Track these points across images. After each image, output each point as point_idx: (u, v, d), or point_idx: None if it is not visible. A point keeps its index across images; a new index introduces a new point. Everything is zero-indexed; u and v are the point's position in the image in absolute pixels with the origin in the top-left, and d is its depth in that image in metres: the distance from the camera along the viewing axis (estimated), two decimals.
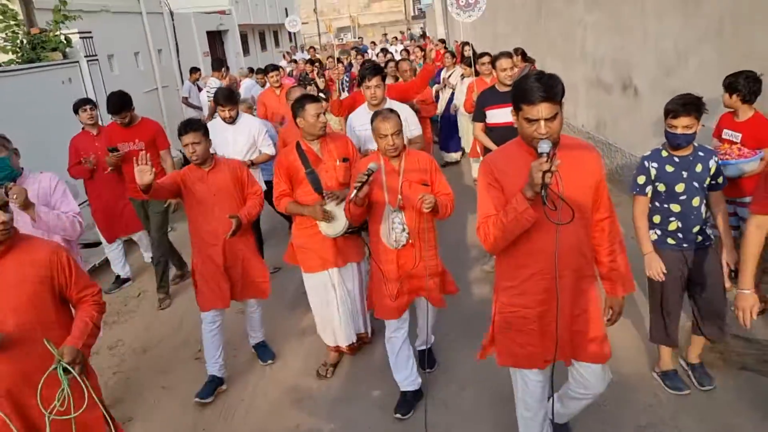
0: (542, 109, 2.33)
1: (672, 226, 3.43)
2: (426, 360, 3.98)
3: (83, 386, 2.52)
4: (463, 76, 8.45)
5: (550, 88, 2.33)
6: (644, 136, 6.31)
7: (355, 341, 4.27)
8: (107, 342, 4.99)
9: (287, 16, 28.82)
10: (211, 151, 5.28)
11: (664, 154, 3.43)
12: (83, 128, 5.78)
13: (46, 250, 2.66)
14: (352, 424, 3.64)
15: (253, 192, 4.10)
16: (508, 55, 5.28)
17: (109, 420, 2.78)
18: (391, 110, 3.57)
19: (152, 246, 5.74)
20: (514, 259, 2.64)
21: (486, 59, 6.83)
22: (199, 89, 11.79)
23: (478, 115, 5.26)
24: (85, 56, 8.23)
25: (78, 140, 5.70)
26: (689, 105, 3.25)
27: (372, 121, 3.47)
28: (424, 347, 4.01)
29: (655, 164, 3.42)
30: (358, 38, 27.10)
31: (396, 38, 23.98)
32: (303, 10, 34.74)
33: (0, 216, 2.52)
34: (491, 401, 3.67)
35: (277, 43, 27.81)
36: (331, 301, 4.11)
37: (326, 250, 3.99)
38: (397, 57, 11.99)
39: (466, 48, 9.59)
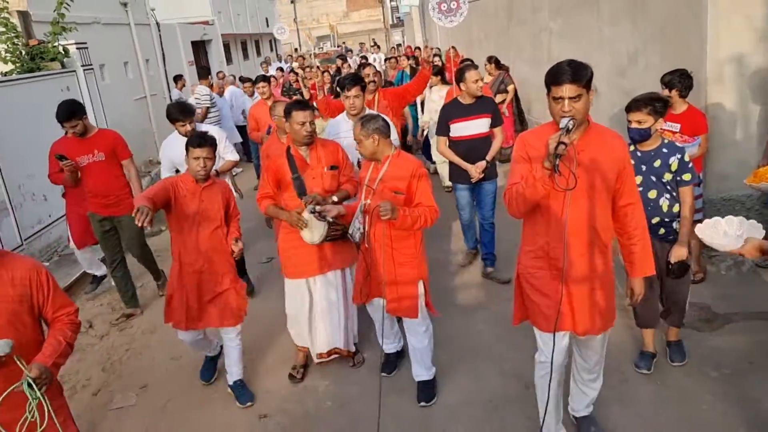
0: (567, 89, 2.60)
1: None
2: (421, 392, 3.83)
3: (45, 406, 2.45)
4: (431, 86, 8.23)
5: (576, 71, 2.59)
6: None
7: (337, 348, 4.23)
8: (118, 325, 5.45)
9: (268, 26, 29.37)
10: (174, 166, 5.31)
11: (631, 148, 3.64)
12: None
13: (25, 267, 2.61)
14: (343, 381, 4.15)
15: (236, 215, 4.10)
16: (476, 66, 5.35)
17: None
18: (360, 119, 3.67)
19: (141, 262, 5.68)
20: (534, 226, 2.93)
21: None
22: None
23: (442, 129, 5.26)
24: (81, 66, 8.69)
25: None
26: (640, 101, 3.54)
27: None
28: (422, 378, 3.87)
29: None
30: (339, 46, 27.58)
31: (378, 46, 24.39)
32: (283, 20, 35.19)
33: None
34: (467, 361, 4.23)
35: (258, 52, 28.30)
36: (307, 308, 4.15)
37: (309, 256, 4.02)
38: (377, 66, 12.43)
39: (435, 58, 9.84)
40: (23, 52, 8.21)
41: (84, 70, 8.74)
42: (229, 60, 22.28)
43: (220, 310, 3.92)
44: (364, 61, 11.01)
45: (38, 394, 2.40)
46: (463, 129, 5.17)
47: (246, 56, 26.19)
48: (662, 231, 3.65)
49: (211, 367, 4.35)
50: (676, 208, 3.62)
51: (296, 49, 18.28)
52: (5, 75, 7.81)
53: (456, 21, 8.53)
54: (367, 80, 5.51)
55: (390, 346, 4.17)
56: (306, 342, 4.26)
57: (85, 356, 4.93)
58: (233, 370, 4.08)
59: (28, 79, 7.76)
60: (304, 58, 16.91)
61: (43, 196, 7.36)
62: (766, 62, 4.77)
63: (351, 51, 22.64)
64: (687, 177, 3.57)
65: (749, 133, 4.95)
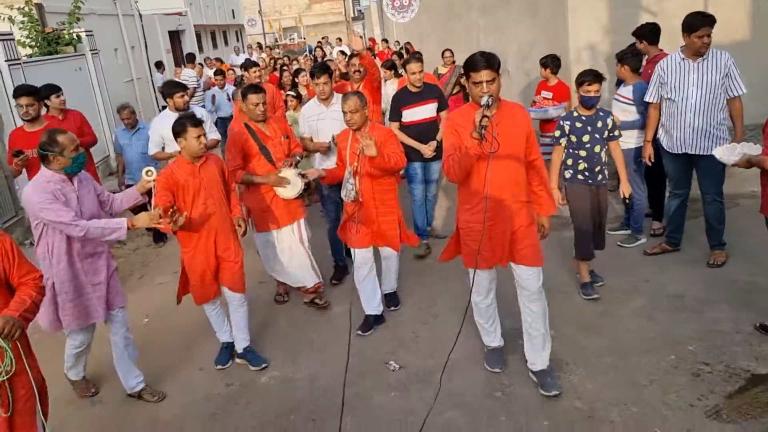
0: (483, 75, 3.17)
1: (581, 167, 4.53)
2: (390, 300, 4.87)
3: (7, 353, 2.56)
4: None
5: (489, 60, 3.20)
6: None
7: (308, 286, 5.00)
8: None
9: (234, 17, 30.80)
10: (163, 143, 5.79)
11: (575, 114, 4.57)
12: (47, 113, 6.16)
13: None
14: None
15: (232, 183, 4.36)
16: (418, 59, 5.79)
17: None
18: (355, 93, 4.36)
19: None
20: (468, 188, 3.50)
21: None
22: None
23: (394, 115, 5.70)
24: (90, 50, 10.31)
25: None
26: (599, 75, 4.46)
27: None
28: (389, 291, 4.89)
29: (567, 122, 4.56)
30: (304, 38, 29.01)
31: (322, 42, 25.37)
32: (247, 11, 36.52)
33: None
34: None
35: (226, 42, 29.78)
36: (280, 252, 4.91)
37: (279, 212, 4.76)
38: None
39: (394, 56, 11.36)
40: (41, 38, 9.80)
41: (92, 53, 10.37)
42: (200, 49, 23.79)
43: (231, 276, 4.22)
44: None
45: (2, 342, 2.50)
46: (413, 114, 5.64)
47: (215, 45, 27.70)
48: (600, 177, 4.56)
49: (228, 354, 4.42)
50: (605, 158, 4.58)
51: (269, 47, 18.53)
52: (30, 57, 9.41)
53: (408, 17, 9.80)
54: (353, 69, 6.21)
55: (369, 308, 4.68)
56: (284, 279, 5.13)
57: (128, 260, 6.72)
58: (240, 337, 4.36)
59: (49, 60, 9.39)
60: (271, 49, 18.22)
61: None
62: (609, 49, 6.84)
63: (320, 43, 23.98)
64: (617, 132, 4.60)
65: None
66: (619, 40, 6.66)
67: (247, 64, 7.92)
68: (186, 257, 4.16)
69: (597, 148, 4.51)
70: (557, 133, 4.64)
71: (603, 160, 4.53)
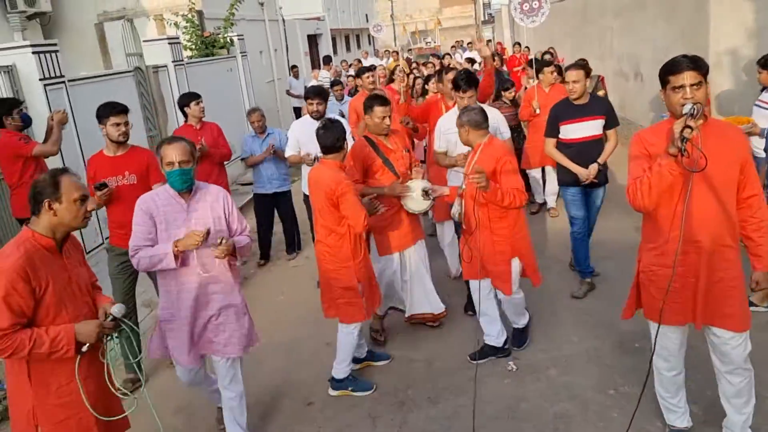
0: (687, 77, 2.61)
1: None
2: (516, 337, 4.40)
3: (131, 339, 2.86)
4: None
5: (695, 60, 2.65)
6: (647, 111, 8.72)
7: (435, 312, 4.70)
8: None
9: (367, 21, 31.92)
10: (300, 146, 5.67)
11: None
12: (186, 122, 6.04)
13: (79, 244, 2.92)
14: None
15: None
16: (579, 66, 5.01)
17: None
18: (465, 110, 4.09)
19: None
20: (656, 223, 2.89)
21: (550, 68, 6.86)
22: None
23: (552, 130, 4.96)
24: (240, 53, 11.32)
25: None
26: None
27: None
28: (516, 325, 4.38)
29: None
30: (438, 43, 29.12)
31: (456, 46, 24.63)
32: (379, 16, 37.63)
33: (90, 204, 2.64)
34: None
35: (359, 45, 30.99)
36: (405, 276, 4.62)
37: (402, 231, 4.48)
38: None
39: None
40: (200, 42, 10.91)
41: (241, 56, 11.38)
42: (335, 52, 24.98)
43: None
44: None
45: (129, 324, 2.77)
46: (573, 131, 4.86)
47: (348, 49, 28.93)
48: None
49: (366, 382, 4.23)
50: None
51: (396, 51, 17.71)
52: (190, 58, 10.52)
53: (537, 21, 9.71)
54: (402, 84, 5.88)
55: (489, 338, 4.33)
56: (392, 304, 4.83)
57: None
58: (361, 341, 4.38)
59: (207, 61, 10.46)
60: (397, 53, 18.12)
61: None
62: (753, 53, 6.50)
63: (454, 47, 23.97)
64: None
65: (742, 104, 6.69)
66: (764, 45, 6.36)
67: (360, 71, 6.95)
68: (355, 266, 3.92)
69: None
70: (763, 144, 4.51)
71: None
